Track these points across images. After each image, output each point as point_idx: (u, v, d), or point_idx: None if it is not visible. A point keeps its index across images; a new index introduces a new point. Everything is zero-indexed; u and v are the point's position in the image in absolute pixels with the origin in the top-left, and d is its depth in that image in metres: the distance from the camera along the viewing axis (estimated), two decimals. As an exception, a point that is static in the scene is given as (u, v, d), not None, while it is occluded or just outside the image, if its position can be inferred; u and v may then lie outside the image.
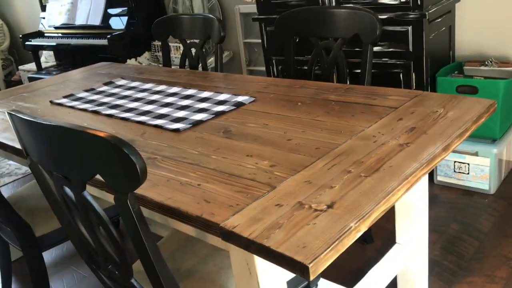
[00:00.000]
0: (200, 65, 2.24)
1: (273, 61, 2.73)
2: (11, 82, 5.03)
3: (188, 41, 2.26)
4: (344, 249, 0.83)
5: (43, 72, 4.28)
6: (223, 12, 3.47)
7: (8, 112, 1.01)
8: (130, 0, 3.64)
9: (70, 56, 4.32)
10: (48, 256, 2.23)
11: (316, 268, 0.77)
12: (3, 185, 3.16)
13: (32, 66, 4.65)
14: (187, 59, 2.28)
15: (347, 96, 1.50)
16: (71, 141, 0.88)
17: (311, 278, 0.77)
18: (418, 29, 2.14)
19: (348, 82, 2.39)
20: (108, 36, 3.54)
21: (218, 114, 1.49)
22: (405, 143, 1.12)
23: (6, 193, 2.21)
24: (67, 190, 1.00)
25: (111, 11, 3.77)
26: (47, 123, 0.89)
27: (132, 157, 0.80)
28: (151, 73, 2.18)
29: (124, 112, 1.63)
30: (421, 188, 1.48)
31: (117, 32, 3.63)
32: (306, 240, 0.81)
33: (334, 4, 2.37)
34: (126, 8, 3.67)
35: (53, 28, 4.21)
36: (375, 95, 1.48)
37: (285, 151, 1.17)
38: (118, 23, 3.71)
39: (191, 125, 1.43)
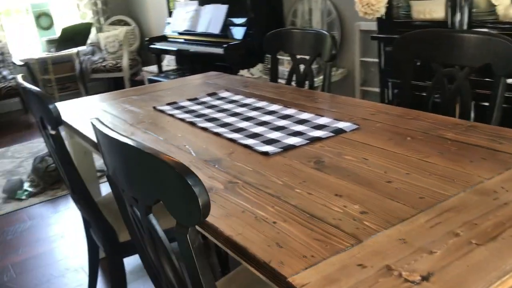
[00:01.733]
0: (307, 82, 2.12)
1: (389, 83, 2.52)
2: (135, 82, 5.36)
3: (298, 57, 2.16)
4: None
5: (162, 75, 4.47)
6: (342, 28, 3.32)
7: (91, 121, 0.98)
8: (250, 11, 3.64)
9: (189, 62, 4.46)
10: (133, 261, 2.26)
11: None
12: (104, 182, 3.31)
13: (154, 68, 4.90)
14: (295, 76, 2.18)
15: (468, 136, 1.28)
16: (139, 162, 0.81)
17: None
18: None
19: (472, 117, 2.12)
20: (225, 46, 3.58)
21: (314, 140, 1.36)
22: (536, 207, 0.90)
23: (104, 192, 2.28)
24: (136, 209, 0.94)
25: (231, 20, 3.82)
26: (119, 139, 0.83)
27: (195, 189, 0.71)
28: (255, 87, 2.11)
29: (218, 127, 1.57)
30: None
31: (234, 42, 3.65)
32: (388, 320, 0.65)
33: (465, 27, 2.11)
34: (245, 19, 3.68)
35: (176, 34, 4.39)
36: (503, 138, 1.24)
37: (381, 195, 1.00)
38: (236, 33, 3.74)
39: (281, 149, 1.31)
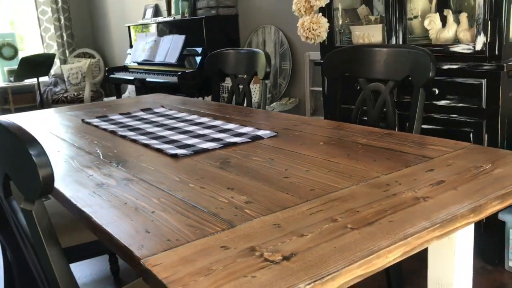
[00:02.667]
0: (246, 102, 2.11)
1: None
2: (96, 112, 5.29)
3: (240, 77, 2.15)
4: (283, 318, 0.60)
5: (120, 104, 4.42)
6: (293, 58, 3.36)
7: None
8: (206, 41, 3.67)
9: (150, 92, 4.43)
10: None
11: (226, 336, 0.55)
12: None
13: (114, 99, 4.86)
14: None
15: (380, 141, 1.26)
16: (-10, 134, 0.75)
17: None
18: (494, 83, 1.84)
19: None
20: (179, 73, 3.57)
21: (229, 145, 1.33)
22: (423, 197, 0.87)
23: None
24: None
25: (188, 50, 3.83)
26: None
27: (36, 159, 0.65)
28: (193, 105, 2.08)
29: (138, 135, 1.52)
30: (462, 266, 1.17)
31: (188, 71, 3.66)
32: (231, 296, 0.60)
33: (401, 51, 2.14)
34: (201, 49, 3.70)
35: (136, 64, 4.38)
36: (414, 143, 1.23)
37: (274, 188, 0.96)
38: (193, 63, 3.75)
39: (192, 152, 1.27)
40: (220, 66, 2.21)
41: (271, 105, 3.15)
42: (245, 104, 2.13)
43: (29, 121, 1.92)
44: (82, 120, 1.86)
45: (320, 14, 2.34)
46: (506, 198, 0.88)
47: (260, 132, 1.43)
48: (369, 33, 2.24)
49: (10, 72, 5.71)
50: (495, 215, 1.97)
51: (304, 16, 2.34)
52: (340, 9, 2.49)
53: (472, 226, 1.12)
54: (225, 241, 0.74)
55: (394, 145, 1.22)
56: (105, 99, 5.21)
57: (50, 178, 0.67)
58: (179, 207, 0.89)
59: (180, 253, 0.71)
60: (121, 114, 1.94)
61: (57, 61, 5.88)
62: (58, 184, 1.06)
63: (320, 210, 0.84)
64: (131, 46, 4.68)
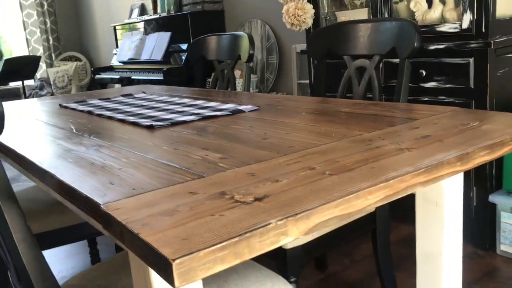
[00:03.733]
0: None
1: (320, 98, 2.49)
2: (83, 115, 5.22)
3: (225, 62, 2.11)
4: (252, 255, 0.54)
5: (107, 104, 4.36)
6: (280, 51, 3.33)
7: None
8: (192, 37, 3.63)
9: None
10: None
11: (188, 268, 0.49)
12: None
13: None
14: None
15: (365, 110, 1.22)
16: None
17: (178, 284, 0.49)
18: (481, 61, 1.81)
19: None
20: (164, 70, 3.52)
21: (208, 117, 1.27)
22: (408, 148, 0.82)
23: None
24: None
25: (174, 47, 3.79)
26: None
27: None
28: (177, 91, 2.03)
29: (115, 114, 1.46)
30: (451, 235, 1.12)
31: (174, 67, 3.61)
32: (196, 231, 0.54)
33: (387, 34, 2.11)
34: (187, 45, 3.66)
35: (122, 64, 4.32)
36: (399, 109, 1.19)
37: (251, 147, 0.91)
38: (177, 59, 3.70)
39: (169, 123, 1.21)
40: (204, 52, 2.17)
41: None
42: (229, 90, 2.08)
43: (11, 107, 1.86)
44: (60, 105, 1.80)
45: (305, 0, 2.31)
46: (494, 150, 0.83)
47: (242, 107, 1.38)
48: (355, 18, 2.21)
49: (-5, 76, 5.63)
50: (485, 198, 1.93)
51: (289, 2, 2.31)
52: (325, -2, 2.47)
53: (461, 194, 1.07)
54: (194, 188, 0.69)
55: (377, 112, 1.17)
56: (92, 101, 5.14)
57: (0, 116, 0.61)
58: (149, 164, 0.84)
59: (144, 198, 0.66)
60: (100, 99, 1.88)
61: (43, 65, 5.81)
62: (24, 152, 1.01)
63: (298, 162, 0.78)
64: (117, 47, 4.63)
